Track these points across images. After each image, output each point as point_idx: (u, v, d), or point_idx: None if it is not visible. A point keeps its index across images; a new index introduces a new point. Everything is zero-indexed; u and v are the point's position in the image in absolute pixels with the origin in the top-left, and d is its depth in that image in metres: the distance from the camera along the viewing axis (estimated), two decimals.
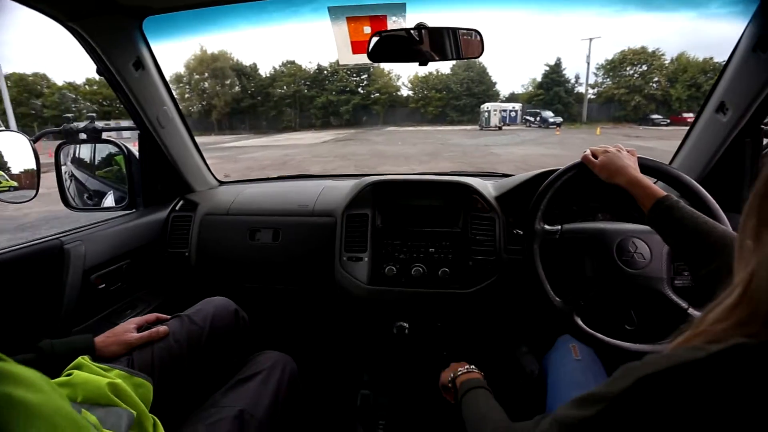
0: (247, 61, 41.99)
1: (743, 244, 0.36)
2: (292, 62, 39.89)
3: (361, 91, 39.61)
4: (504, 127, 28.13)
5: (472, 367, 0.95)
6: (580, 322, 0.95)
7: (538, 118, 29.79)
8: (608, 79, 34.47)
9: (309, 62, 54.53)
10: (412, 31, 1.08)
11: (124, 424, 0.70)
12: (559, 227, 1.02)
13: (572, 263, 1.02)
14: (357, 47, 1.19)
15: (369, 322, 1.44)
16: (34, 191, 1.19)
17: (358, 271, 1.26)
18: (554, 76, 36.16)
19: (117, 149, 1.42)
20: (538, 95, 36.35)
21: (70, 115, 1.32)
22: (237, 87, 38.20)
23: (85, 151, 1.51)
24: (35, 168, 1.19)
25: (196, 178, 1.58)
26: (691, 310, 0.88)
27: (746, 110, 1.08)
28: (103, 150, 1.49)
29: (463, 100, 37.17)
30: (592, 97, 35.18)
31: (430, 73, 38.94)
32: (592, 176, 0.97)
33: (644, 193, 0.86)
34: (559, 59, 38.16)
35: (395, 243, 1.26)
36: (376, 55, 1.10)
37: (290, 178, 1.85)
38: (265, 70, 42.65)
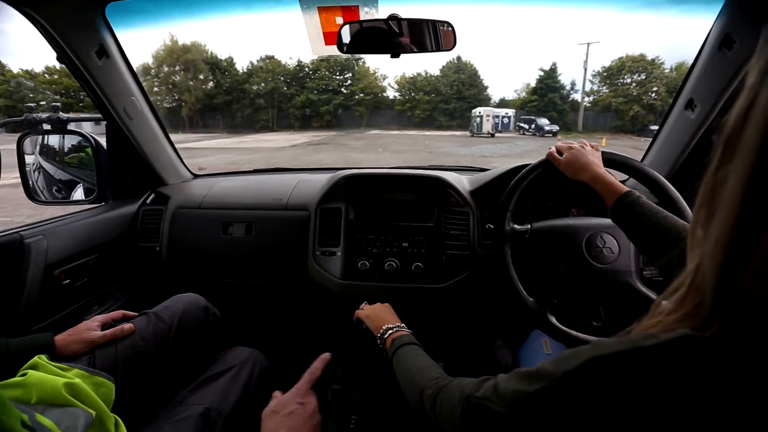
0: (223, 55, 39.37)
1: (695, 235, 0.36)
2: (272, 57, 37.10)
3: (344, 91, 36.97)
4: (496, 134, 26.52)
5: (402, 325, 0.95)
6: (554, 321, 0.94)
7: (533, 126, 27.68)
8: (605, 87, 32.83)
9: (289, 58, 51.66)
10: (391, 22, 1.05)
11: (82, 424, 0.67)
12: (529, 226, 1.01)
13: (543, 261, 1.01)
14: (329, 38, 1.15)
15: (341, 317, 1.41)
16: None
17: (331, 265, 1.23)
18: (549, 81, 34.43)
19: (84, 140, 1.36)
20: (531, 101, 34.36)
21: (32, 104, 1.25)
22: (210, 82, 35.46)
23: (52, 142, 1.45)
24: None
25: (168, 170, 1.52)
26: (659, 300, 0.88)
27: (713, 107, 1.08)
28: (72, 141, 1.43)
29: (453, 104, 35.19)
30: (588, 105, 33.12)
31: (418, 74, 37.31)
32: (559, 173, 0.96)
33: (607, 189, 0.85)
34: (554, 64, 36.79)
35: (369, 237, 1.24)
36: (348, 45, 1.07)
37: (266, 171, 1.81)
38: (242, 65, 40.03)
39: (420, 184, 1.29)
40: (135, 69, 1.28)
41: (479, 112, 27.03)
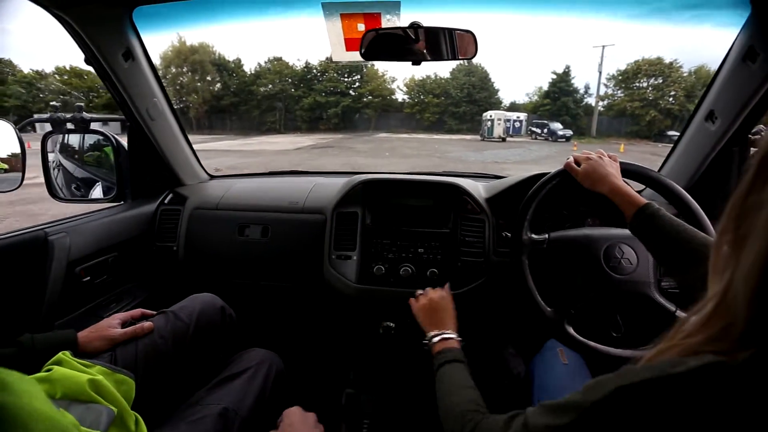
0: (231, 56, 38.68)
1: (719, 253, 0.35)
2: (279, 59, 36.14)
3: (353, 93, 35.80)
4: (508, 139, 25.37)
5: (452, 335, 0.91)
6: (572, 331, 0.94)
7: (545, 130, 26.32)
8: (620, 91, 30.99)
9: (297, 59, 51.39)
10: (408, 30, 1.06)
11: (104, 421, 0.68)
12: (546, 236, 1.01)
13: (561, 271, 1.01)
14: (350, 44, 1.17)
15: (356, 321, 1.42)
16: (20, 179, 1.16)
17: (346, 269, 1.24)
18: (562, 85, 33.00)
19: (105, 140, 1.38)
20: (544, 105, 32.92)
21: (57, 103, 1.28)
22: (218, 83, 34.70)
23: (73, 141, 1.48)
24: (21, 155, 1.16)
25: (185, 171, 1.54)
26: (679, 313, 0.88)
27: (735, 119, 1.08)
28: (91, 140, 1.45)
29: (463, 107, 33.84)
30: (602, 109, 31.69)
31: (428, 77, 35.99)
32: (577, 183, 0.96)
33: (626, 201, 0.85)
34: (568, 67, 35.73)
35: (384, 242, 1.25)
36: (370, 53, 1.08)
37: (282, 174, 1.83)
38: (250, 67, 38.79)
39: (436, 191, 1.30)
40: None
41: (490, 116, 26.05)
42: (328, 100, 34.58)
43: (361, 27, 1.12)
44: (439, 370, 0.84)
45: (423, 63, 1.11)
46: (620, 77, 30.80)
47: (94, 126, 1.33)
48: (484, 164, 13.40)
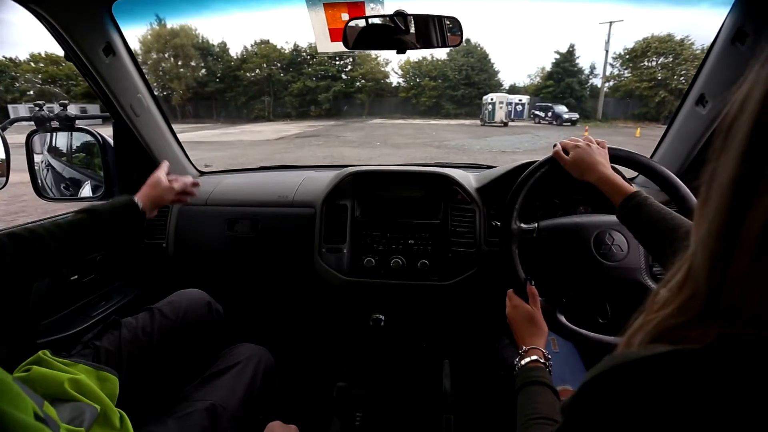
0: (215, 39, 36.90)
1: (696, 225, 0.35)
2: (267, 42, 34.00)
3: (344, 77, 33.93)
4: (510, 124, 23.76)
5: (538, 356, 0.78)
6: (564, 320, 0.94)
7: (549, 114, 24.66)
8: (627, 71, 28.93)
9: (285, 42, 48.66)
10: (395, 18, 1.05)
11: (87, 419, 0.69)
12: (536, 225, 1.01)
13: (552, 260, 1.01)
14: (335, 35, 1.16)
15: (347, 314, 1.43)
16: (4, 179, 1.16)
17: (337, 262, 1.24)
18: (566, 65, 30.98)
19: (91, 138, 1.38)
20: (547, 87, 31.12)
21: (41, 102, 1.27)
22: (202, 69, 32.74)
23: (60, 140, 1.47)
24: (5, 156, 1.16)
25: (174, 167, 1.53)
26: None
27: (725, 102, 1.07)
28: (77, 138, 1.45)
29: (461, 90, 32.25)
30: (607, 91, 29.54)
31: (424, 59, 34.30)
32: (566, 172, 0.95)
33: (614, 190, 0.85)
34: (572, 46, 32.93)
35: (375, 234, 1.25)
36: (354, 42, 1.07)
37: (272, 169, 1.82)
38: (236, 51, 36.50)
39: (426, 181, 1.30)
40: None
41: (491, 99, 24.21)
42: (318, 85, 33.06)
43: (345, 16, 1.11)
44: (521, 390, 0.75)
45: (408, 51, 1.11)
46: (627, 56, 28.89)
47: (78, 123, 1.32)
48: (492, 155, 11.87)
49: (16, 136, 1.29)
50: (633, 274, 0.93)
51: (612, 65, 29.45)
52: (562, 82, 30.72)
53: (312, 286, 1.31)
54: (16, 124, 1.33)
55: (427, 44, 1.08)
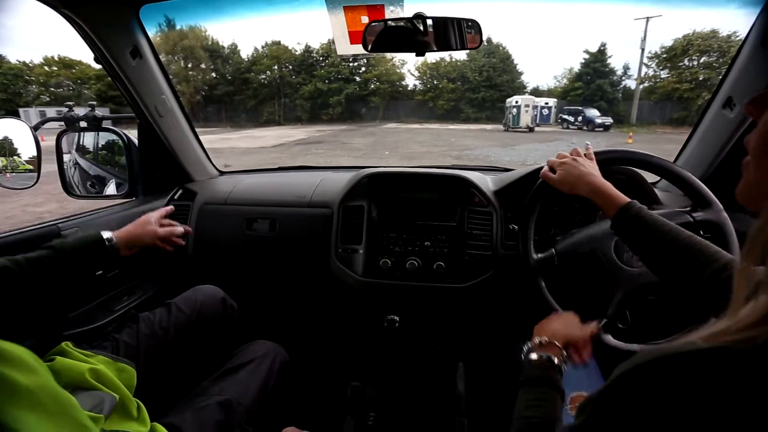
0: (225, 41, 35.29)
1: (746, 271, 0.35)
2: (278, 43, 33.35)
3: (357, 79, 32.88)
4: (535, 129, 22.12)
5: (551, 356, 0.73)
6: (612, 339, 0.91)
7: (579, 118, 22.83)
8: (664, 71, 26.87)
9: (297, 43, 47.27)
10: (415, 21, 1.07)
11: (107, 406, 0.72)
12: (553, 251, 1.00)
13: (580, 281, 1.00)
14: (355, 37, 1.19)
15: (362, 315, 1.45)
16: (36, 175, 1.23)
17: (353, 262, 1.26)
18: (597, 65, 29.41)
19: (118, 138, 1.44)
20: (575, 89, 29.65)
21: (70, 102, 1.34)
22: (212, 71, 32.34)
23: (87, 139, 1.54)
24: (37, 154, 1.23)
25: (195, 167, 1.59)
26: None
27: None
28: (103, 138, 1.51)
29: (482, 93, 30.88)
30: (642, 93, 27.75)
31: (442, 59, 32.69)
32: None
33: (607, 202, 0.84)
34: (603, 45, 31.26)
35: (391, 236, 1.27)
36: (374, 44, 1.10)
37: (290, 169, 1.86)
38: (246, 53, 35.84)
39: (443, 184, 1.31)
40: None
41: (516, 102, 22.54)
42: (330, 88, 32.04)
43: (365, 19, 1.14)
44: (522, 386, 0.73)
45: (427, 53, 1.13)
46: (665, 55, 26.67)
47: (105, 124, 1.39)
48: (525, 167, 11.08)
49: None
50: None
51: (647, 65, 27.54)
52: (592, 84, 29.22)
53: (328, 286, 1.33)
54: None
55: (446, 46, 1.09)
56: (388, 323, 1.31)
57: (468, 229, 1.24)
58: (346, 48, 1.21)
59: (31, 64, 29.56)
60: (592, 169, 0.90)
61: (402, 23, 1.08)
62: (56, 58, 29.17)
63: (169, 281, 1.45)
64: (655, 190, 1.14)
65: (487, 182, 1.30)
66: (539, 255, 1.01)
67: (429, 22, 1.07)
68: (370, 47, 1.10)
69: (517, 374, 1.40)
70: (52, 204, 5.82)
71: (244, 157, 12.67)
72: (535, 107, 23.26)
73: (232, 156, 12.40)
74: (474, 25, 1.06)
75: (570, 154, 0.95)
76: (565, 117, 24.46)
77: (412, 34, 1.09)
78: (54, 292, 0.89)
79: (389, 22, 1.09)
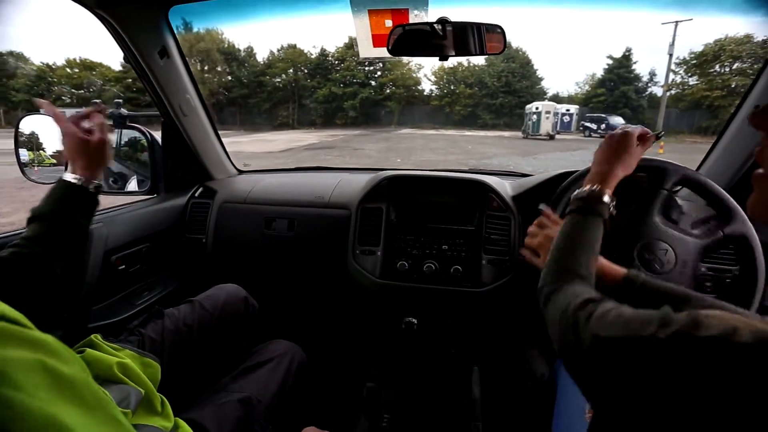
0: (241, 44, 36.09)
1: None
2: (294, 46, 33.07)
3: (373, 84, 32.33)
4: (556, 137, 21.51)
5: (605, 190, 0.74)
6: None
7: (602, 126, 21.97)
8: (693, 78, 25.83)
9: (312, 46, 46.79)
10: (435, 26, 1.09)
11: (133, 401, 0.73)
12: None
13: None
14: (378, 40, 1.21)
15: (379, 316, 1.46)
16: (63, 168, 1.27)
17: (370, 264, 1.27)
18: (621, 71, 28.50)
19: (141, 135, 1.48)
20: (597, 96, 28.86)
21: (97, 100, 1.38)
22: (227, 74, 32.31)
23: (111, 136, 1.57)
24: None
25: (215, 166, 1.62)
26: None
27: None
28: (128, 136, 1.55)
29: (500, 99, 30.36)
30: (669, 100, 25.84)
31: (460, 64, 32.43)
32: None
33: (602, 274, 0.77)
34: (628, 50, 29.95)
35: (408, 238, 1.28)
36: (397, 48, 1.11)
37: (309, 170, 1.89)
38: (262, 56, 35.70)
39: (461, 188, 1.32)
40: None
41: (537, 108, 21.83)
42: (345, 92, 31.67)
43: (389, 23, 1.16)
44: (569, 214, 0.73)
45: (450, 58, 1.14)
46: (695, 61, 25.55)
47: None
48: None
49: None
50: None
51: (674, 71, 26.09)
52: (616, 91, 28.44)
53: (345, 287, 1.35)
54: None
55: (469, 51, 1.10)
56: (406, 325, 1.32)
57: (486, 233, 1.25)
58: (369, 51, 1.23)
59: (54, 66, 29.66)
60: None
61: (426, 27, 1.09)
62: (78, 60, 29.57)
63: (188, 277, 1.48)
64: (676, 199, 1.13)
65: (505, 187, 1.31)
66: None
67: (453, 27, 1.08)
68: (393, 50, 1.11)
69: (528, 381, 1.40)
70: None
71: (251, 161, 12.27)
72: (555, 114, 22.63)
73: (235, 160, 12.00)
74: (498, 31, 1.07)
75: (536, 225, 0.92)
76: (588, 125, 23.76)
77: (436, 39, 1.10)
78: (66, 261, 0.83)
79: (414, 26, 1.11)
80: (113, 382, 0.75)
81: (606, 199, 0.73)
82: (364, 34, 1.20)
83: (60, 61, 30.10)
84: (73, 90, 28.42)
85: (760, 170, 0.42)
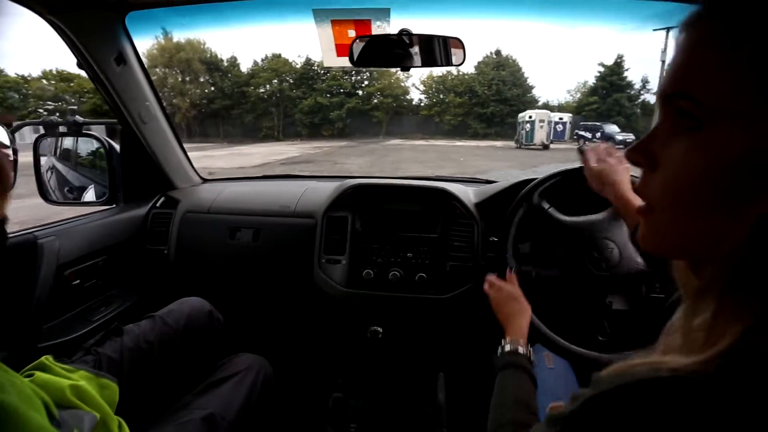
0: (223, 53, 35.93)
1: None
2: (278, 56, 32.65)
3: (359, 93, 31.99)
4: (550, 146, 20.98)
5: (520, 342, 0.86)
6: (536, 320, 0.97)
7: (598, 134, 21.32)
8: None
9: (297, 56, 46.41)
10: (402, 37, 1.11)
11: (87, 426, 0.70)
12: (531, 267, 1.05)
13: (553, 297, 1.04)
14: (341, 50, 1.22)
15: (345, 326, 1.46)
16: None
17: (336, 273, 1.28)
18: (613, 78, 28.57)
19: (98, 143, 1.44)
20: (590, 104, 28.69)
21: (50, 106, 1.35)
22: (209, 84, 31.51)
23: (66, 144, 1.53)
24: (13, 159, 1.22)
25: (178, 174, 1.59)
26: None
27: None
28: (84, 144, 1.52)
29: (491, 108, 29.98)
30: None
31: (449, 72, 31.60)
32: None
33: (629, 213, 0.90)
34: (620, 57, 30.22)
35: (374, 247, 1.29)
36: (360, 59, 1.13)
37: (274, 178, 1.88)
38: (246, 66, 34.45)
39: (426, 196, 1.34)
40: None
41: (530, 116, 21.24)
42: (331, 102, 31.29)
43: (352, 33, 1.17)
44: (500, 371, 0.82)
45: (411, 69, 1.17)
46: None
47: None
48: None
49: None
50: (633, 267, 0.96)
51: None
52: (609, 98, 28.48)
53: (311, 296, 1.34)
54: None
55: (430, 62, 1.14)
56: (371, 334, 1.33)
57: (449, 240, 1.27)
58: (333, 60, 1.24)
59: (29, 78, 27.87)
60: (626, 179, 0.96)
61: (388, 38, 1.11)
62: (54, 72, 27.74)
63: (148, 291, 1.44)
64: None
65: (468, 194, 1.34)
66: (521, 267, 1.05)
67: (415, 38, 1.11)
68: (356, 61, 1.13)
69: (494, 385, 1.43)
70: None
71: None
72: (549, 123, 22.04)
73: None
74: (458, 43, 1.11)
75: (608, 152, 1.02)
76: (582, 133, 22.81)
77: (398, 49, 1.13)
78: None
79: (376, 37, 1.13)
80: (66, 407, 0.71)
81: (521, 350, 0.83)
82: (327, 44, 1.21)
83: (36, 73, 28.44)
84: (49, 102, 27.46)
85: (643, 204, 0.41)
